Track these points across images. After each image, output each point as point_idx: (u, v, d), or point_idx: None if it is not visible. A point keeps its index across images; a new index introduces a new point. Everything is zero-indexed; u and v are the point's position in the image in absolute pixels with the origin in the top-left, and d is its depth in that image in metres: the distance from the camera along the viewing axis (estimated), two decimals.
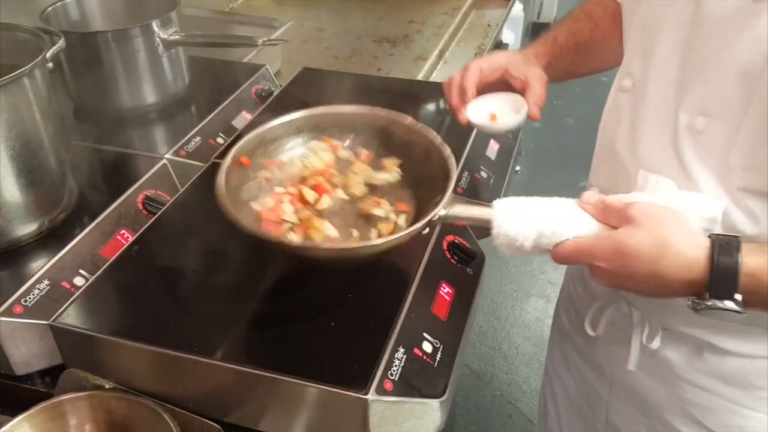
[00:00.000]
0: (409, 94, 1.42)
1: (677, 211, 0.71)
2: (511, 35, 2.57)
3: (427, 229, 0.86)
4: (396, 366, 0.78)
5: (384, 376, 0.76)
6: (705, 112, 0.75)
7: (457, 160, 1.14)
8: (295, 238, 0.84)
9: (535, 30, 4.07)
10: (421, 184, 0.91)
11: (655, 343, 0.88)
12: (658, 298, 0.75)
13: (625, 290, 0.81)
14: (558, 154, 3.28)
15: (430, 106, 1.37)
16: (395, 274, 0.92)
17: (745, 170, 0.72)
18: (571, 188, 0.96)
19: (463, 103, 1.02)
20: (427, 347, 0.83)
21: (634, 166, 0.84)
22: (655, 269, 0.68)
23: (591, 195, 0.76)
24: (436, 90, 1.46)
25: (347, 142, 0.97)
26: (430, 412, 0.78)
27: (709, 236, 0.69)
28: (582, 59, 1.05)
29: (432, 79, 1.71)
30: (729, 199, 0.75)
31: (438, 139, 0.91)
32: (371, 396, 0.74)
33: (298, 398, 0.77)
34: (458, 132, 1.24)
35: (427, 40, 1.84)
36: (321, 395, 0.76)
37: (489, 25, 2.01)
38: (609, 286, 0.75)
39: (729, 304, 0.67)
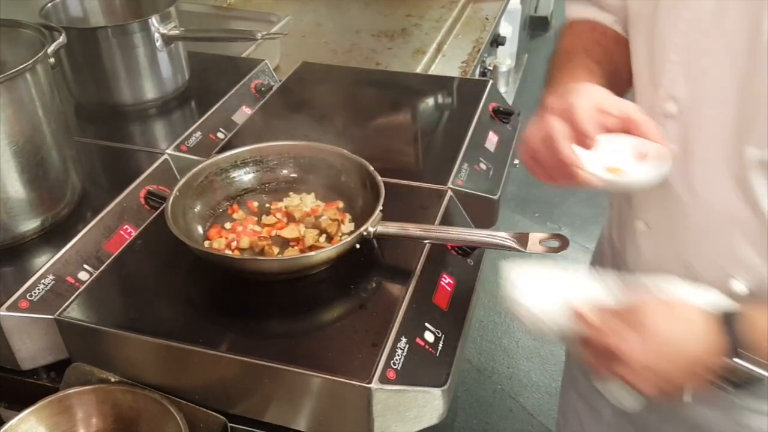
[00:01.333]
0: (407, 88, 1.43)
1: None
2: (508, 28, 2.58)
3: (358, 246, 0.92)
4: (398, 355, 0.79)
5: (387, 365, 0.77)
6: None
7: (457, 152, 1.15)
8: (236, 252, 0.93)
9: (532, 23, 4.07)
10: (359, 206, 1.00)
11: None
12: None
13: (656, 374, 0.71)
14: None
15: (429, 99, 1.38)
16: (397, 265, 0.93)
17: None
18: None
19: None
20: (429, 337, 0.84)
21: (692, 201, 0.78)
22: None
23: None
24: (434, 83, 1.47)
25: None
26: (432, 400, 0.79)
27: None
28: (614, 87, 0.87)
29: (430, 72, 1.71)
30: None
31: (370, 167, 0.99)
32: (374, 385, 0.74)
33: (302, 388, 0.78)
34: (457, 123, 1.25)
35: (425, 34, 1.85)
36: (325, 385, 0.77)
37: (486, 19, 2.02)
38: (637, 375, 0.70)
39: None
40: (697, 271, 0.81)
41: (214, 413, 0.82)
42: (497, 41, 2.26)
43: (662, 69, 0.78)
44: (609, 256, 1.03)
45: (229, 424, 0.82)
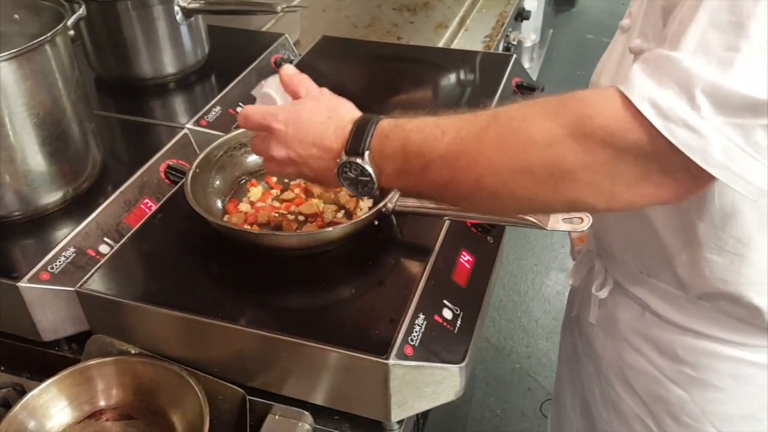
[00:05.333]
0: (429, 62, 1.40)
1: None
2: (533, 2, 2.52)
3: (376, 222, 0.93)
4: (416, 332, 0.79)
5: (404, 341, 0.77)
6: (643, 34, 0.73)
7: None
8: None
9: None
10: None
11: (603, 293, 0.90)
12: (318, 176, 0.76)
13: (293, 171, 0.77)
14: None
15: (451, 74, 1.36)
16: (416, 241, 0.92)
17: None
18: None
19: None
20: (447, 314, 0.83)
21: None
22: (320, 134, 0.72)
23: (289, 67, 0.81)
24: (457, 58, 1.45)
25: None
26: (449, 377, 0.79)
27: None
28: None
29: (453, 46, 1.69)
30: None
31: None
32: (392, 361, 0.74)
33: (320, 363, 0.78)
34: (479, 98, 1.23)
35: (447, 8, 1.82)
36: (343, 360, 0.76)
37: None
38: (280, 169, 0.77)
39: (358, 160, 0.68)
40: None
41: (233, 386, 0.83)
42: (522, 15, 2.21)
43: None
44: None
45: (248, 397, 0.82)
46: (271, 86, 0.83)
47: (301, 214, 0.96)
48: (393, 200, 0.89)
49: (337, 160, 0.70)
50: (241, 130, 1.03)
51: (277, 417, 0.82)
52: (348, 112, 0.74)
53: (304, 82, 0.79)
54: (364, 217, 0.87)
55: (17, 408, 0.80)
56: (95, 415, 0.86)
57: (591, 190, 0.59)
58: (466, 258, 0.92)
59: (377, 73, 1.37)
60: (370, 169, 0.69)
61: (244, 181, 1.03)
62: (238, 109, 1.24)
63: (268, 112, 0.76)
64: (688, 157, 0.53)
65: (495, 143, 0.62)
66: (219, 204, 0.98)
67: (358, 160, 0.69)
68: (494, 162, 0.62)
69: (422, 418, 0.95)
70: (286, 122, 0.74)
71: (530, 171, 0.60)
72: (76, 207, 0.99)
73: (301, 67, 1.36)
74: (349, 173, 0.70)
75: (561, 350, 1.18)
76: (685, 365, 0.83)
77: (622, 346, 0.90)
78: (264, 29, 1.55)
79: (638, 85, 0.55)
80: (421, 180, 0.68)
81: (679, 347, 0.83)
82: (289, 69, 0.81)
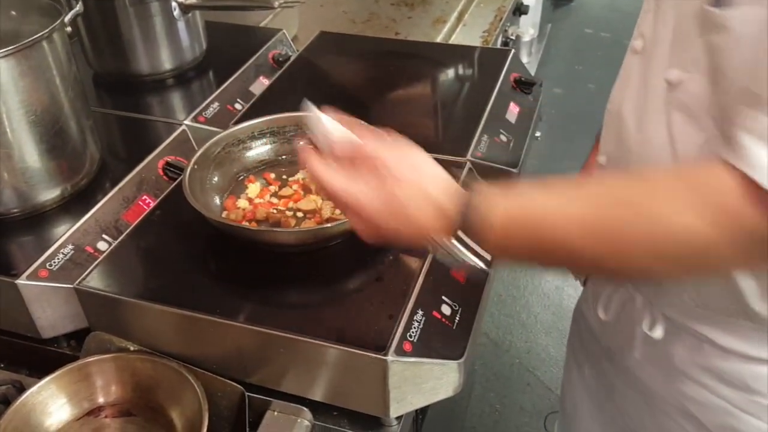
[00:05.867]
0: (427, 58, 1.40)
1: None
2: None
3: None
4: (415, 328, 0.79)
5: (403, 337, 0.77)
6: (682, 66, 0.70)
7: (477, 123, 1.14)
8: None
9: None
10: None
11: (657, 333, 0.84)
12: (412, 236, 0.69)
13: (385, 231, 0.69)
14: (579, 119, 3.23)
15: (449, 70, 1.35)
16: None
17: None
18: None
19: None
20: (446, 310, 0.84)
21: (640, 137, 0.77)
22: (421, 187, 0.66)
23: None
24: (455, 53, 1.45)
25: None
26: (449, 373, 0.79)
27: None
28: None
29: (451, 41, 1.68)
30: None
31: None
32: (390, 357, 0.74)
33: (318, 359, 0.78)
34: (477, 94, 1.23)
35: (446, 2, 1.81)
36: (341, 356, 0.76)
37: None
38: (371, 230, 0.69)
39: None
40: None
41: (232, 382, 0.83)
42: (520, 10, 2.21)
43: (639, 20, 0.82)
44: None
45: (247, 394, 0.83)
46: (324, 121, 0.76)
47: (299, 210, 0.96)
48: None
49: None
50: (239, 126, 1.03)
51: (276, 413, 0.83)
52: (437, 189, 0.67)
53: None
54: None
55: (16, 405, 0.80)
56: (94, 412, 0.86)
57: (725, 267, 0.62)
58: None
59: (375, 69, 1.37)
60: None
61: (242, 177, 1.03)
62: (237, 105, 1.24)
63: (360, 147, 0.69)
64: None
65: (626, 234, 0.61)
66: (217, 200, 0.98)
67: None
68: (623, 251, 0.62)
69: (421, 413, 0.95)
70: (387, 222, 0.67)
71: (661, 258, 0.61)
72: (74, 204, 0.99)
73: (299, 62, 1.36)
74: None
75: (576, 376, 1.11)
76: (757, 395, 0.78)
77: (680, 380, 0.85)
78: (261, 25, 1.55)
79: (762, 164, 0.55)
80: (534, 257, 0.69)
81: (749, 377, 0.78)
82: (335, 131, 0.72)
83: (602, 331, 0.99)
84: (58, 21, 0.93)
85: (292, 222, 0.93)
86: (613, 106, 0.84)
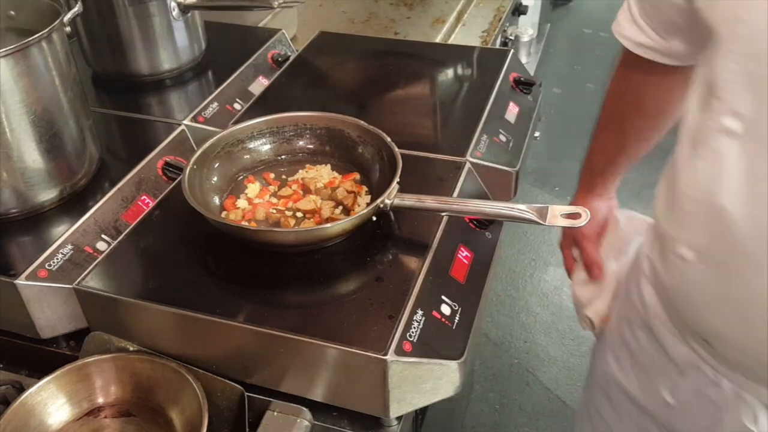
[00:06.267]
0: (426, 58, 1.40)
1: None
2: None
3: (374, 218, 0.92)
4: (415, 328, 0.79)
5: (403, 337, 0.77)
6: None
7: (476, 123, 1.14)
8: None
9: None
10: (376, 178, 1.00)
11: (762, 426, 0.75)
12: None
13: None
14: (578, 119, 3.23)
15: (448, 70, 1.36)
16: (414, 237, 0.92)
17: None
18: None
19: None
20: (446, 310, 0.84)
21: (756, 232, 0.66)
22: None
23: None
24: (454, 53, 1.45)
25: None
26: (448, 373, 0.79)
27: None
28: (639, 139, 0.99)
29: (450, 41, 1.69)
30: None
31: (387, 138, 0.98)
32: (390, 357, 0.74)
33: (318, 359, 0.78)
34: (476, 94, 1.23)
35: (445, 3, 1.81)
36: (341, 356, 0.76)
37: None
38: None
39: None
40: (755, 313, 0.70)
41: (232, 382, 0.83)
42: (519, 10, 2.21)
43: (717, 80, 0.67)
44: (649, 275, 0.89)
45: (246, 394, 0.82)
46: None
47: (298, 210, 0.96)
48: (391, 196, 0.89)
49: None
50: (238, 126, 1.03)
51: (275, 413, 0.82)
52: None
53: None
54: (362, 213, 0.87)
55: (16, 405, 0.80)
56: (94, 412, 0.86)
57: None
58: (464, 253, 0.92)
59: (374, 69, 1.37)
60: None
61: (241, 177, 1.03)
62: (236, 105, 1.24)
63: None
64: None
65: None
66: (216, 200, 0.98)
67: None
68: None
69: (421, 413, 0.95)
70: None
71: None
72: (73, 204, 0.99)
73: (298, 62, 1.36)
74: None
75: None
76: None
77: (743, 412, 0.78)
78: (261, 25, 1.55)
79: None
80: None
81: None
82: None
83: (665, 412, 0.89)
84: (58, 21, 0.93)
85: (292, 222, 0.93)
86: (701, 195, 0.71)
